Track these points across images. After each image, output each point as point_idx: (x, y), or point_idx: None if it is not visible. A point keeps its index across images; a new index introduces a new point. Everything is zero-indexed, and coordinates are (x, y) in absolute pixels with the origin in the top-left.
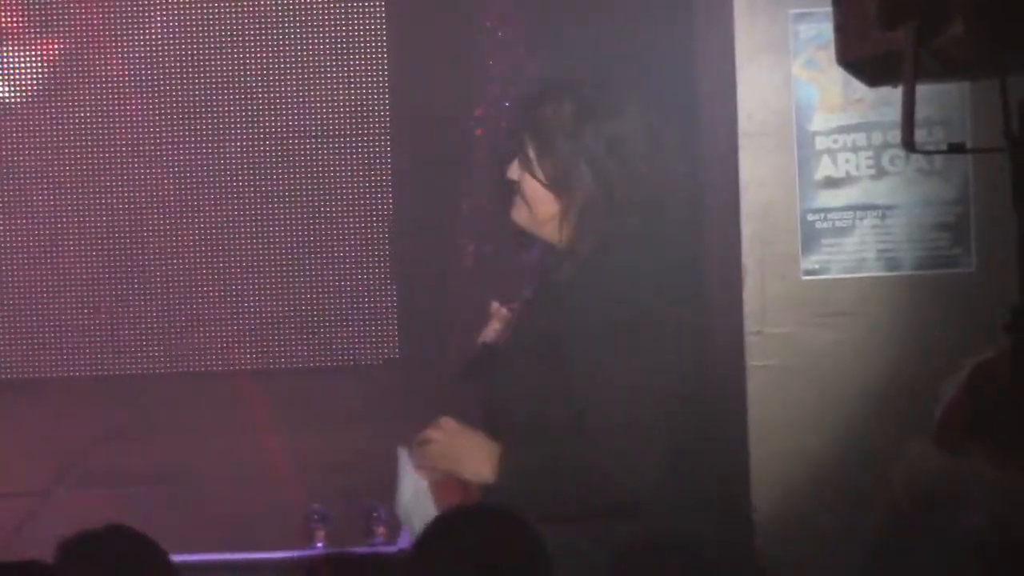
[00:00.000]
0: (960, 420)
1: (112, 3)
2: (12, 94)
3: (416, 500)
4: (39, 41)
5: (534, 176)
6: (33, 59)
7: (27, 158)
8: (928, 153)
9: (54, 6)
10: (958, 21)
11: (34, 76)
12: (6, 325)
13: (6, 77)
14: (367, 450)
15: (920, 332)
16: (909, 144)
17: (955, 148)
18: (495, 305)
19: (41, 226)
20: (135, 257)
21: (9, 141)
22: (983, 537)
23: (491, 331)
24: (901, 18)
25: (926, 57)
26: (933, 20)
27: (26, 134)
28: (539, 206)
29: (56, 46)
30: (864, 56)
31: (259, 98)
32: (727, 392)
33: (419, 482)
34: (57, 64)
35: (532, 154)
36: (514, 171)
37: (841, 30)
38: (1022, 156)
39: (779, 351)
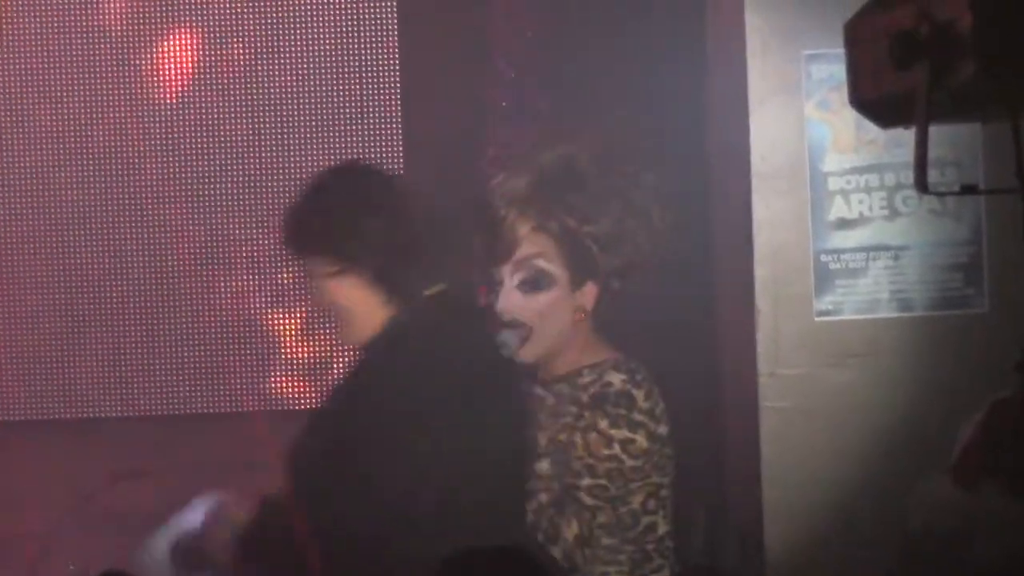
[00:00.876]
0: (977, 457)
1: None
2: None
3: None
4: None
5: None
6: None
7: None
8: (941, 195)
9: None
10: (970, 62)
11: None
12: (20, 367)
13: None
14: None
15: (933, 373)
16: (922, 185)
17: (967, 189)
18: None
19: (51, 264)
20: (150, 299)
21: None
22: (997, 574)
23: None
24: (914, 59)
25: (939, 98)
26: (946, 61)
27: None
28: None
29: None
30: (876, 97)
31: (272, 136)
32: (740, 433)
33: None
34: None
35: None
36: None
37: (853, 71)
38: None
39: (792, 392)
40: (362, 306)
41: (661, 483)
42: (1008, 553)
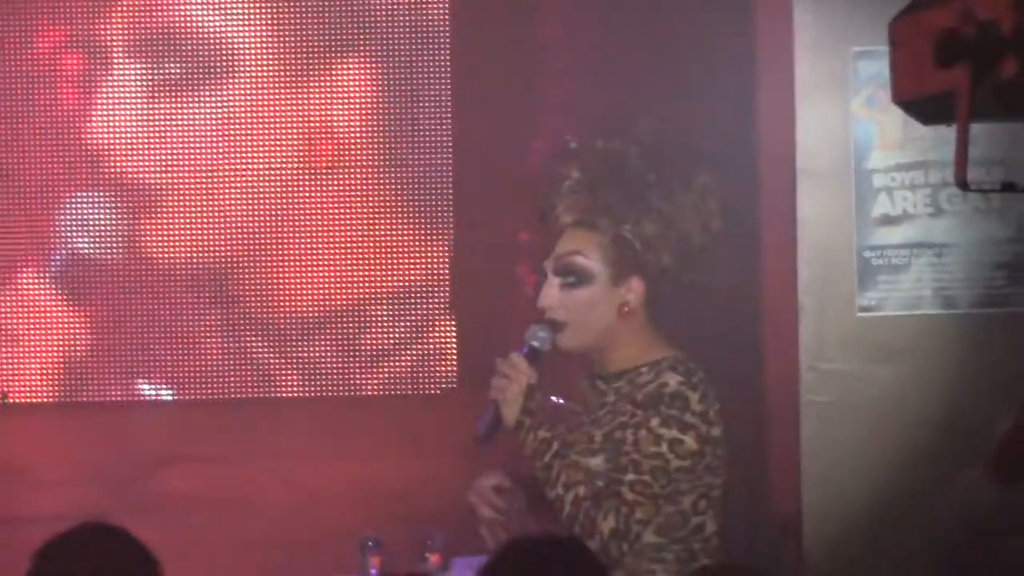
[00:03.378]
0: (1013, 455)
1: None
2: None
3: None
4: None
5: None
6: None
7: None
8: (980, 192)
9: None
10: (1012, 62)
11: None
12: (68, 349)
13: None
14: (423, 478)
15: (975, 370)
16: (962, 183)
17: (1008, 187)
18: (498, 360)
19: (99, 252)
20: (196, 284)
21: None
22: None
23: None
24: (956, 58)
25: (981, 97)
26: (988, 60)
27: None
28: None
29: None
30: (919, 95)
31: (322, 125)
32: (782, 427)
33: None
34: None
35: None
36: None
37: (897, 69)
38: None
39: (834, 387)
40: None
41: (713, 483)
42: None
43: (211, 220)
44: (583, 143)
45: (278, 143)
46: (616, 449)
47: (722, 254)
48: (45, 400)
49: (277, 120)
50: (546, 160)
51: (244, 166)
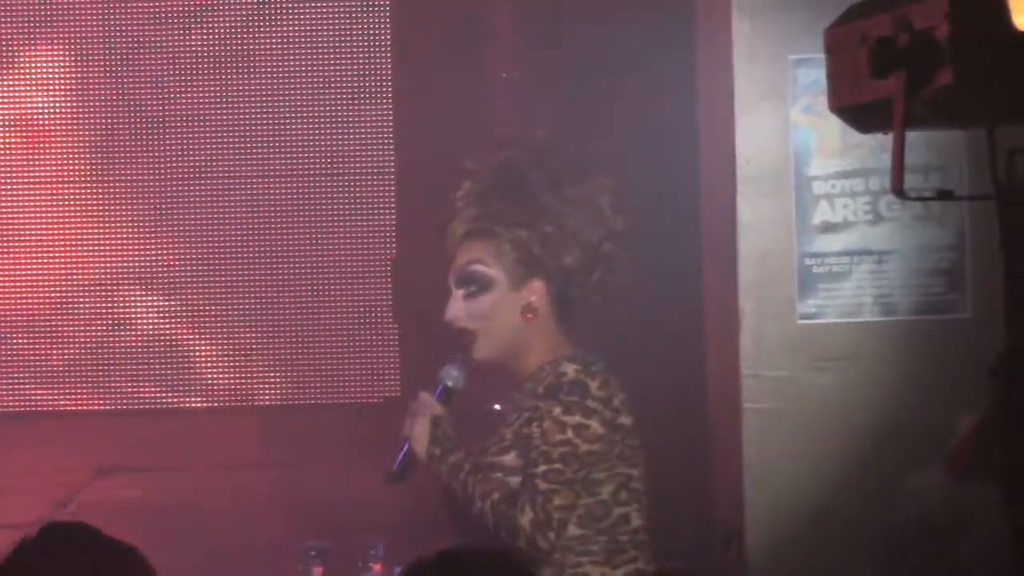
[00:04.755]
0: (969, 453)
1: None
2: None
3: None
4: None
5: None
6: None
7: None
8: (916, 200)
9: (50, 16)
10: (947, 71)
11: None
12: (6, 359)
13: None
14: (366, 487)
15: (915, 377)
16: (899, 191)
17: (944, 195)
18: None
19: (43, 260)
20: (136, 293)
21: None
22: (983, 564)
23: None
24: (891, 67)
25: (916, 105)
26: (923, 69)
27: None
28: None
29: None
30: (856, 103)
31: (263, 135)
32: (724, 434)
33: None
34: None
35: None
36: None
37: (833, 77)
38: (1009, 203)
39: (775, 394)
40: None
41: (630, 474)
42: (995, 544)
43: (164, 227)
44: (477, 160)
45: (221, 153)
46: (526, 444)
47: (662, 260)
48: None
49: (217, 128)
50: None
51: (185, 174)
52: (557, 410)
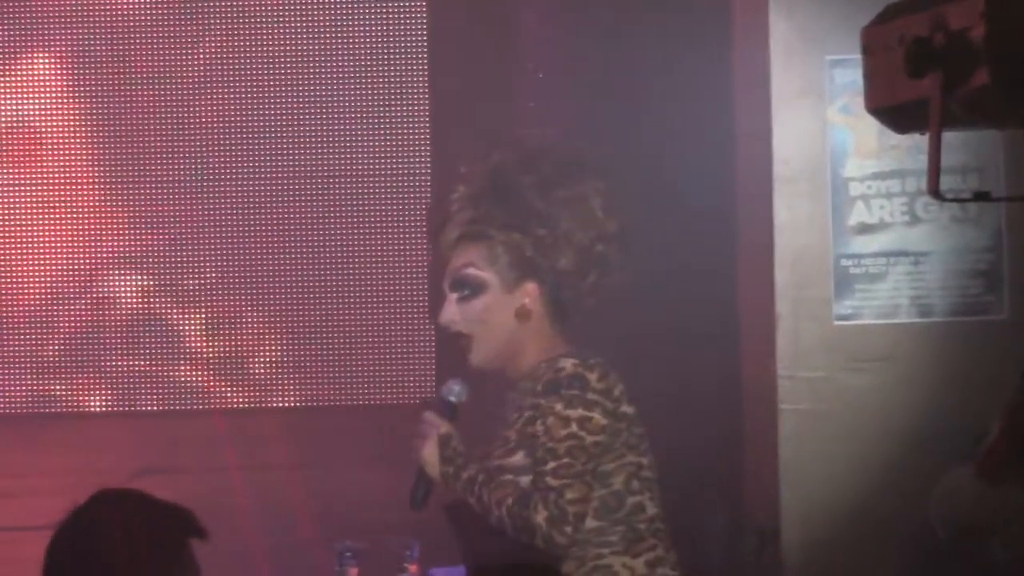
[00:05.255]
0: (1001, 454)
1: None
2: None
3: None
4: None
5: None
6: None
7: (50, 188)
8: (953, 201)
9: (54, 21)
10: (983, 71)
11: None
12: (42, 361)
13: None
14: (402, 489)
15: (951, 378)
16: (935, 192)
17: (980, 196)
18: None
19: (74, 261)
20: (171, 294)
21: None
22: (1016, 567)
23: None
24: (927, 67)
25: (953, 106)
26: (959, 69)
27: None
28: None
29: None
30: (893, 104)
31: (301, 136)
32: (760, 434)
33: None
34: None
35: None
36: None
37: (870, 77)
38: None
39: (811, 395)
40: None
41: (639, 463)
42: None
43: (193, 232)
44: (470, 163)
45: (257, 152)
46: (531, 443)
47: (699, 261)
48: (13, 411)
49: (255, 126)
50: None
51: (233, 172)
52: (559, 406)
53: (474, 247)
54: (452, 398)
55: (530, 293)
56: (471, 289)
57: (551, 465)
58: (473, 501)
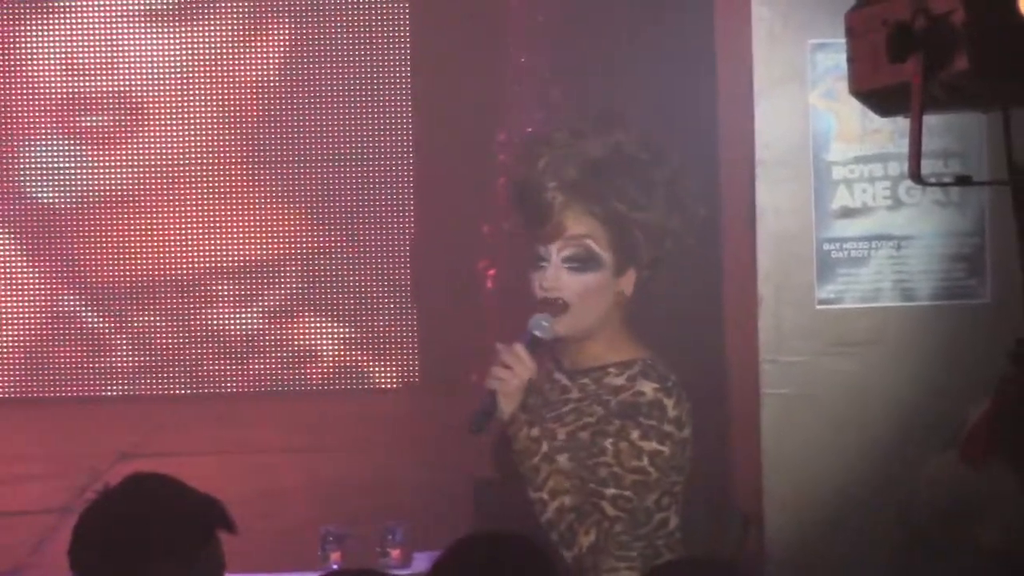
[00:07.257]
0: (984, 435)
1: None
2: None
3: None
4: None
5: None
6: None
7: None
8: (934, 185)
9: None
10: (963, 55)
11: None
12: (31, 346)
13: None
14: (384, 472)
15: (934, 362)
16: (916, 176)
17: (961, 180)
18: (499, 346)
19: (61, 249)
20: (157, 281)
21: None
22: (1000, 551)
23: (498, 375)
24: (909, 51)
25: (934, 90)
26: (940, 53)
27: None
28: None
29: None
30: (876, 87)
31: (281, 120)
32: (742, 419)
33: None
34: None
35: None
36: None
37: (854, 61)
38: None
39: (793, 379)
40: None
41: (677, 480)
42: (1012, 530)
43: (182, 225)
44: (579, 135)
45: (237, 137)
46: (583, 450)
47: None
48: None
49: (235, 113)
50: (520, 148)
51: (213, 166)
52: (635, 433)
53: (595, 221)
54: (538, 332)
55: (629, 280)
56: (585, 263)
57: (611, 491)
58: (527, 465)
